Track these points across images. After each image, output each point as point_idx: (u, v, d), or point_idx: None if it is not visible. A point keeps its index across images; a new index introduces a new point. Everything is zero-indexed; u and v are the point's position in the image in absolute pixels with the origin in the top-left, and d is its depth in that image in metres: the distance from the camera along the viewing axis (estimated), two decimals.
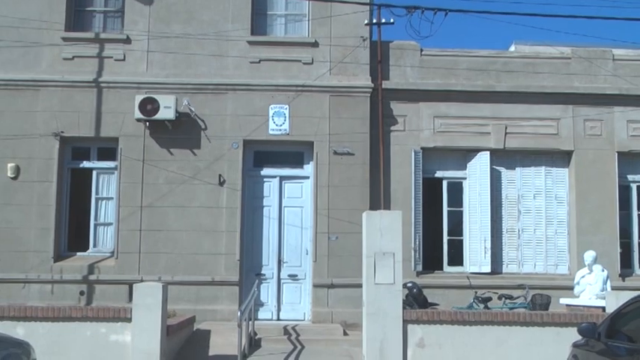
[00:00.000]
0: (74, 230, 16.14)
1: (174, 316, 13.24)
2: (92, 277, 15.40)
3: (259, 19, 16.52)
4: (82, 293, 15.31)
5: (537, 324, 10.90)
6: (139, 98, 15.37)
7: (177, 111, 15.47)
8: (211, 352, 12.63)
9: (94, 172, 16.15)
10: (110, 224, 15.99)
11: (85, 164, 16.15)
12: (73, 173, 16.15)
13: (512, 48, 18.71)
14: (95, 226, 16.06)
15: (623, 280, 16.09)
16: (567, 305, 13.81)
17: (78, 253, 15.88)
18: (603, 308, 12.13)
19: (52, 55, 15.97)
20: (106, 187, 16.13)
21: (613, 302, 11.11)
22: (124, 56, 16.03)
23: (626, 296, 8.88)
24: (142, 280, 13.43)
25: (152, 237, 15.54)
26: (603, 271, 13.87)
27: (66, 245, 15.94)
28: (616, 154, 16.62)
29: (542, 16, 14.65)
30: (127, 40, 16.08)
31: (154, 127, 15.70)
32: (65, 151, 15.98)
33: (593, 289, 13.64)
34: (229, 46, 16.06)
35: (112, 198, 16.02)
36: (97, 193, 16.12)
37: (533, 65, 16.81)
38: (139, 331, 10.79)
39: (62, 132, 15.71)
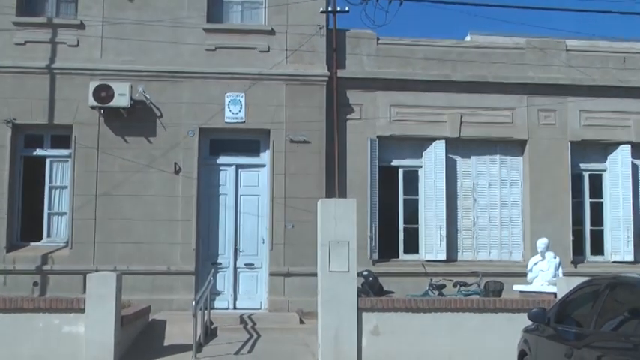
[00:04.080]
0: (27, 220, 15.86)
1: (129, 306, 13.09)
2: (46, 268, 15.19)
3: (215, 7, 16.37)
4: (35, 284, 15.08)
5: (490, 310, 11.09)
6: (93, 85, 15.12)
7: (132, 98, 15.26)
8: (167, 342, 12.54)
9: (48, 161, 15.91)
10: (64, 213, 15.77)
11: (39, 152, 15.90)
12: (26, 161, 15.86)
13: (468, 38, 18.81)
14: (49, 215, 15.83)
15: (575, 267, 16.38)
16: (520, 292, 14.03)
17: (31, 243, 15.62)
18: (555, 294, 12.33)
19: (2, 40, 15.63)
20: (60, 175, 15.90)
21: (564, 288, 11.22)
22: (78, 42, 15.77)
23: (577, 282, 9.03)
24: (97, 270, 13.23)
25: (107, 226, 15.38)
26: (555, 257, 14.11)
27: (19, 235, 15.69)
28: (569, 143, 16.89)
29: (497, 6, 14.82)
30: (81, 26, 15.81)
31: (109, 115, 15.50)
32: (18, 139, 15.69)
33: (546, 276, 13.88)
34: (185, 33, 15.89)
35: (66, 187, 15.79)
36: (50, 181, 15.88)
37: (489, 55, 16.96)
38: (93, 321, 10.71)
39: (14, 119, 15.41)
